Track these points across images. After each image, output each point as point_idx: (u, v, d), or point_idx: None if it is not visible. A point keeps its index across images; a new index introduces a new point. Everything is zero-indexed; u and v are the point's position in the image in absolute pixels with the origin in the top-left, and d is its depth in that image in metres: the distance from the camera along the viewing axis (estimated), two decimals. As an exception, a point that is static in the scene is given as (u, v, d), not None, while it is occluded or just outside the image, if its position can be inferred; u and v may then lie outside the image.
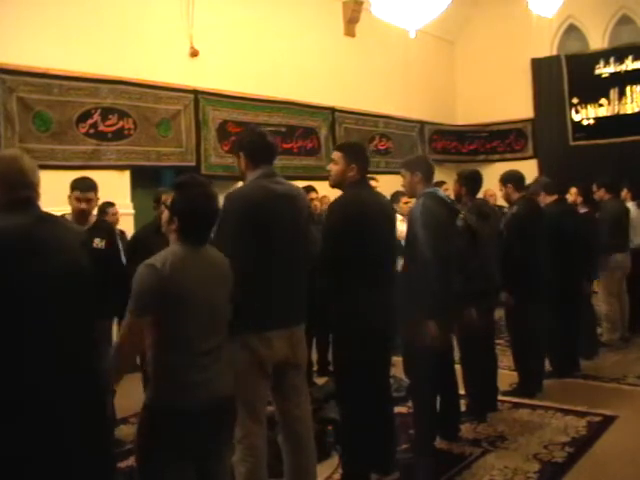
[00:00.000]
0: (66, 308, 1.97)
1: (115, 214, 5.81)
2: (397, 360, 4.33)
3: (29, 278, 1.90)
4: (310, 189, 5.48)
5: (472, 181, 4.52)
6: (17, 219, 1.95)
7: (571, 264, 5.17)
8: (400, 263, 3.86)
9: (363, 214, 3.27)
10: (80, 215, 3.90)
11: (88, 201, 3.95)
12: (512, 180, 4.87)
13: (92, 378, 2.04)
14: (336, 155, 3.42)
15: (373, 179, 5.82)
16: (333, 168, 3.41)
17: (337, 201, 3.40)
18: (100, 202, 5.71)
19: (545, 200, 5.33)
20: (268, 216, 2.77)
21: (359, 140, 8.88)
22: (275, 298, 2.77)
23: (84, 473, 1.98)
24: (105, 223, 4.37)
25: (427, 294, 3.46)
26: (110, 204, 5.81)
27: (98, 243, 3.88)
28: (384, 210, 3.51)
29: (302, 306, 2.93)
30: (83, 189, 3.92)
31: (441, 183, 7.06)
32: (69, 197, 3.93)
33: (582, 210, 5.94)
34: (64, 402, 1.93)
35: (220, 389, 2.24)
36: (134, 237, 5.36)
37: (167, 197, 2.34)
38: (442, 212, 3.66)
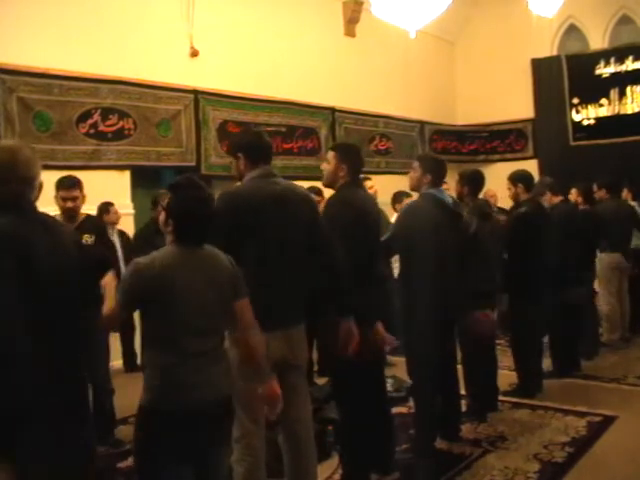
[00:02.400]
0: (54, 308, 1.95)
1: (116, 213, 5.83)
2: (398, 360, 4.34)
3: (17, 278, 1.87)
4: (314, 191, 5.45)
5: (474, 181, 4.52)
6: (7, 218, 1.90)
7: (573, 264, 5.18)
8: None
9: (357, 215, 3.26)
10: (68, 214, 3.90)
11: (74, 199, 3.94)
12: (523, 180, 4.84)
13: (83, 384, 2.05)
14: (329, 154, 3.45)
15: (368, 179, 5.83)
16: (326, 167, 3.44)
17: (331, 202, 3.41)
18: (100, 202, 5.78)
19: (552, 200, 5.33)
20: (261, 216, 2.75)
21: (359, 140, 8.93)
22: (272, 299, 2.76)
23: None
24: (93, 219, 4.35)
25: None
26: (110, 204, 5.81)
27: (87, 239, 3.88)
28: (375, 210, 3.53)
29: (301, 306, 2.93)
30: (67, 187, 3.92)
31: (442, 183, 7.07)
32: (55, 197, 3.91)
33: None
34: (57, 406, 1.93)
35: (218, 390, 2.24)
36: (137, 235, 5.37)
37: (164, 198, 2.34)
38: (432, 212, 3.65)
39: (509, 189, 4.92)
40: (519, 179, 4.85)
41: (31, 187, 2.00)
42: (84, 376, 2.13)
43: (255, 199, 2.78)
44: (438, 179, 3.83)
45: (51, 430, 1.94)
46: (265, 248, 2.77)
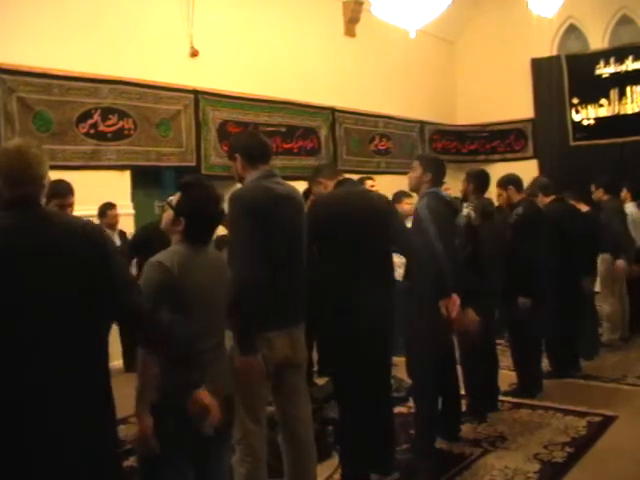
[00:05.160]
0: (68, 310, 1.95)
1: (115, 216, 5.74)
2: (398, 360, 4.33)
3: (29, 280, 1.88)
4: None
5: (480, 179, 4.55)
6: (18, 218, 1.91)
7: (572, 264, 5.18)
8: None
9: (338, 214, 3.32)
10: None
11: (70, 205, 3.84)
12: (512, 182, 4.90)
13: (93, 378, 2.02)
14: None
15: (369, 179, 5.83)
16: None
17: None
18: (100, 203, 5.76)
19: (543, 201, 5.34)
20: (270, 217, 2.77)
21: (359, 140, 8.97)
22: (277, 298, 2.77)
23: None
24: None
25: (439, 280, 3.53)
26: (111, 206, 5.74)
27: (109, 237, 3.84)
28: (371, 209, 3.51)
29: (302, 306, 2.94)
30: (63, 195, 3.79)
31: (441, 183, 7.08)
32: (46, 204, 3.78)
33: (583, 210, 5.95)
34: (64, 403, 1.91)
35: (220, 388, 2.25)
36: (140, 234, 5.26)
37: (171, 197, 2.34)
38: (445, 211, 3.72)
39: (500, 195, 4.96)
40: (508, 182, 4.91)
41: (42, 186, 2.00)
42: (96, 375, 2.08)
43: (262, 200, 2.79)
44: (438, 178, 3.84)
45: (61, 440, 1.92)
46: (272, 247, 2.77)
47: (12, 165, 1.94)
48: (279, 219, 2.80)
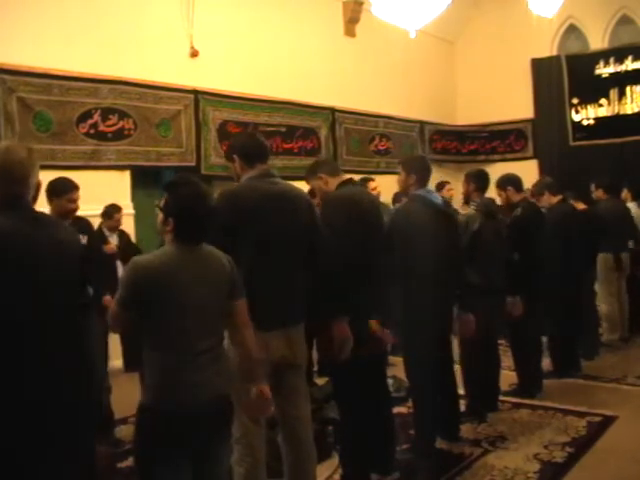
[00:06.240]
0: (59, 307, 1.98)
1: (119, 220, 5.66)
2: (397, 360, 4.33)
3: (25, 278, 1.90)
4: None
5: (480, 178, 4.53)
6: (11, 218, 1.93)
7: (572, 264, 5.18)
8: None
9: (354, 213, 3.30)
10: (65, 217, 3.77)
11: (76, 200, 3.91)
12: (511, 183, 4.88)
13: (81, 372, 2.08)
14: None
15: (371, 179, 5.85)
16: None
17: (327, 200, 3.44)
18: (101, 203, 5.72)
19: (550, 200, 5.34)
20: (258, 216, 2.75)
21: (359, 140, 8.99)
22: (271, 299, 2.76)
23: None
24: (83, 220, 4.24)
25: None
26: (118, 208, 5.66)
27: (80, 239, 3.84)
28: (375, 208, 3.55)
29: (300, 306, 2.92)
30: (72, 190, 3.88)
31: (443, 184, 7.11)
32: (52, 201, 3.78)
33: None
34: (52, 396, 1.95)
35: (217, 389, 2.24)
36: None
37: (160, 199, 2.33)
38: (423, 214, 3.65)
39: (500, 195, 4.95)
40: (507, 182, 4.89)
41: (27, 187, 2.02)
42: (84, 373, 2.14)
43: (252, 198, 2.78)
44: (424, 178, 3.80)
45: (49, 430, 1.95)
46: (263, 247, 2.76)
47: (3, 164, 1.97)
48: (271, 218, 2.77)
